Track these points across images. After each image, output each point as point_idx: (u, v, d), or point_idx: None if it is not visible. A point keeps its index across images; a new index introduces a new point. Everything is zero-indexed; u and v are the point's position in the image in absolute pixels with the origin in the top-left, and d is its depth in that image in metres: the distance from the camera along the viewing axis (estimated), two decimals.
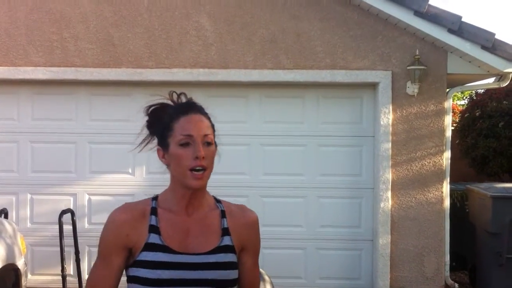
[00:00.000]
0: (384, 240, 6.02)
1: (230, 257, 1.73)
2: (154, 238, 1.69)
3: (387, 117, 6.00)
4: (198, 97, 6.46)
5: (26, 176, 6.30)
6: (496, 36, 5.79)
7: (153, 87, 6.17)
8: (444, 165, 6.06)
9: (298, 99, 6.25)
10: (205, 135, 1.73)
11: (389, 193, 6.01)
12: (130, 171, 6.28)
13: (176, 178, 1.76)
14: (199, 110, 1.78)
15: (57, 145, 6.29)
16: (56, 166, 6.27)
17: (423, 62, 5.89)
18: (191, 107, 1.77)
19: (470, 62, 5.99)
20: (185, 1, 6.02)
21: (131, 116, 6.26)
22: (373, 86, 6.13)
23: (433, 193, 6.04)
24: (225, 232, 1.76)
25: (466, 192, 6.87)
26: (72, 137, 6.28)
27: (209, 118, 1.79)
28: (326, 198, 6.24)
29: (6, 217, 5.19)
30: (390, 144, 6.01)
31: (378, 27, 6.01)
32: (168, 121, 1.75)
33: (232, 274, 1.73)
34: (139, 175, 6.27)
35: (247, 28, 6.04)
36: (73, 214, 5.53)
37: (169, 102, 1.80)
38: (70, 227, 5.48)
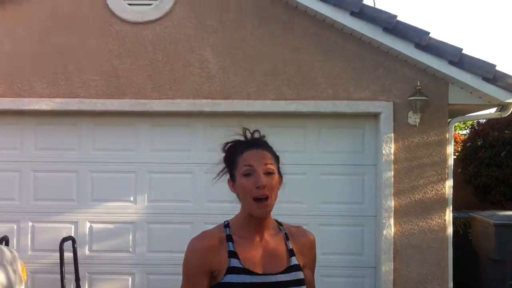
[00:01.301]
0: (387, 267, 5.99)
1: (299, 275, 1.96)
2: (234, 262, 1.89)
3: (389, 146, 6.03)
4: (200, 128, 6.50)
5: (27, 204, 6.32)
6: (497, 68, 5.83)
7: (156, 118, 6.23)
8: (446, 193, 6.06)
9: (300, 129, 6.29)
10: (266, 165, 1.92)
11: (391, 221, 6.00)
12: (131, 199, 6.29)
13: (245, 207, 1.96)
14: (262, 145, 1.99)
15: (59, 173, 6.31)
16: (57, 194, 6.29)
17: (424, 93, 5.93)
18: (254, 143, 1.98)
19: (471, 93, 6.03)
20: (189, 34, 6.12)
21: (134, 145, 6.32)
22: (374, 116, 6.17)
23: (435, 221, 6.03)
24: (291, 253, 1.99)
25: (469, 219, 6.86)
26: (74, 165, 6.31)
27: (272, 152, 1.99)
28: (328, 225, 6.23)
29: (7, 244, 5.20)
30: (392, 173, 6.03)
31: (379, 59, 6.07)
32: (235, 155, 1.97)
33: None
34: (141, 203, 6.28)
35: (249, 60, 6.11)
36: (74, 241, 5.53)
37: (242, 138, 2.02)
38: (71, 254, 5.47)
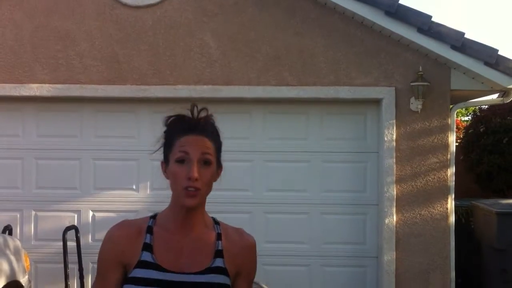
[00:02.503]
0: (389, 256, 5.99)
1: (221, 279, 1.72)
2: (146, 256, 1.71)
3: (391, 133, 6.01)
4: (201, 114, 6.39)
5: (30, 193, 6.31)
6: (499, 52, 5.80)
7: (158, 104, 6.21)
8: (448, 181, 6.04)
9: (302, 115, 6.26)
10: (203, 154, 1.73)
11: (393, 209, 5.99)
12: (134, 187, 6.29)
13: (173, 196, 1.78)
14: (203, 131, 1.77)
15: (62, 161, 6.31)
16: (60, 182, 6.28)
17: (427, 79, 5.90)
18: (196, 127, 1.76)
19: (473, 78, 6.00)
20: (189, 19, 6.07)
21: (136, 132, 6.30)
22: (376, 102, 6.14)
23: (437, 209, 6.02)
24: (218, 254, 1.76)
25: (471, 208, 6.85)
26: (76, 153, 6.30)
27: (214, 139, 1.78)
28: (330, 214, 6.23)
29: (10, 233, 5.20)
30: (394, 160, 6.01)
31: (381, 44, 6.04)
32: (172, 138, 1.77)
33: None
34: (143, 192, 6.27)
35: (250, 45, 6.08)
36: (77, 230, 5.53)
37: (188, 114, 1.80)
38: (74, 243, 5.48)
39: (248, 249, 1.82)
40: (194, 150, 1.71)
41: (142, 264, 1.70)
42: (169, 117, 1.81)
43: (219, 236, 1.79)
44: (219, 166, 1.82)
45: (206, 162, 1.74)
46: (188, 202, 1.71)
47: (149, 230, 1.77)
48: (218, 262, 1.75)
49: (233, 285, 1.78)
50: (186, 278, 1.69)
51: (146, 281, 1.67)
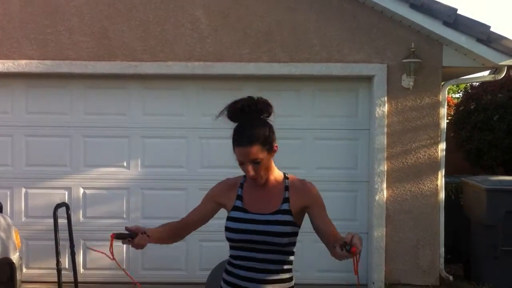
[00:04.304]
0: (379, 233, 6.04)
1: (285, 217, 2.45)
2: (238, 203, 2.52)
3: (382, 110, 6.01)
4: (192, 90, 6.42)
5: (20, 170, 6.28)
6: (492, 29, 5.79)
7: (149, 80, 6.16)
8: (439, 158, 6.07)
9: (294, 92, 6.24)
10: (252, 160, 2.40)
11: (384, 186, 6.02)
12: (125, 164, 6.26)
13: None
14: (249, 142, 2.38)
15: (52, 138, 6.26)
16: (50, 159, 6.25)
17: (418, 55, 5.89)
18: (242, 141, 2.39)
19: (465, 55, 5.99)
20: None
21: (126, 109, 6.26)
22: (368, 79, 6.13)
23: (428, 186, 6.06)
24: (285, 200, 2.49)
25: (461, 185, 6.88)
26: (66, 130, 6.25)
27: (260, 141, 2.39)
28: (322, 191, 6.18)
29: (0, 211, 5.17)
30: (385, 137, 6.02)
31: (373, 20, 6.00)
32: (233, 145, 2.43)
33: (285, 228, 2.44)
34: (134, 169, 6.25)
35: (242, 20, 6.02)
36: (68, 207, 5.51)
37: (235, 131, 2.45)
38: (65, 220, 5.46)
39: (308, 190, 2.54)
40: (245, 159, 2.40)
41: (235, 208, 2.51)
42: (223, 110, 2.47)
43: (286, 188, 2.52)
44: (271, 148, 2.46)
45: (256, 163, 2.41)
46: (256, 184, 2.50)
47: (241, 185, 2.56)
48: (285, 206, 2.47)
49: (311, 216, 2.53)
50: (262, 217, 2.45)
51: (236, 219, 2.48)
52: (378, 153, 6.02)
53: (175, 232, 2.58)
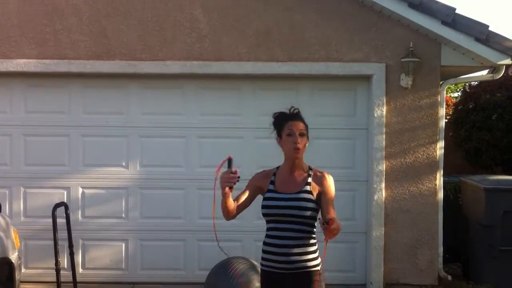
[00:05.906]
0: (378, 232, 6.04)
1: (307, 196, 3.18)
2: (271, 187, 3.26)
3: (381, 109, 6.01)
4: (192, 90, 6.38)
5: (19, 170, 6.27)
6: (490, 28, 5.79)
7: (147, 80, 6.16)
8: (437, 157, 6.08)
9: (292, 91, 6.23)
10: (300, 130, 3.20)
11: (382, 185, 6.03)
12: (123, 164, 6.26)
13: (286, 154, 3.25)
14: (298, 118, 3.25)
15: (50, 138, 6.26)
16: (49, 159, 6.25)
17: (417, 54, 5.89)
18: (294, 116, 3.25)
19: (463, 54, 5.99)
20: None
21: (125, 108, 6.25)
22: (367, 78, 6.13)
23: (426, 185, 6.06)
24: (307, 184, 3.22)
25: (459, 184, 6.88)
26: (65, 130, 6.25)
27: (304, 122, 3.25)
28: None
29: None
30: (383, 136, 6.02)
31: (372, 19, 6.00)
32: (282, 123, 3.24)
33: (306, 204, 3.16)
34: (133, 168, 6.25)
35: (241, 20, 6.02)
36: (66, 207, 5.51)
37: (285, 111, 3.29)
38: (64, 220, 5.47)
39: (324, 179, 3.26)
40: (295, 129, 3.19)
41: (269, 190, 3.25)
42: (277, 112, 3.29)
43: (309, 176, 3.26)
44: (308, 135, 3.26)
45: (302, 135, 3.20)
46: (295, 156, 3.21)
47: (274, 174, 3.31)
48: (307, 187, 3.20)
49: (322, 198, 3.21)
50: (289, 196, 3.17)
51: (270, 198, 3.21)
52: (376, 152, 6.02)
53: (236, 208, 3.23)
